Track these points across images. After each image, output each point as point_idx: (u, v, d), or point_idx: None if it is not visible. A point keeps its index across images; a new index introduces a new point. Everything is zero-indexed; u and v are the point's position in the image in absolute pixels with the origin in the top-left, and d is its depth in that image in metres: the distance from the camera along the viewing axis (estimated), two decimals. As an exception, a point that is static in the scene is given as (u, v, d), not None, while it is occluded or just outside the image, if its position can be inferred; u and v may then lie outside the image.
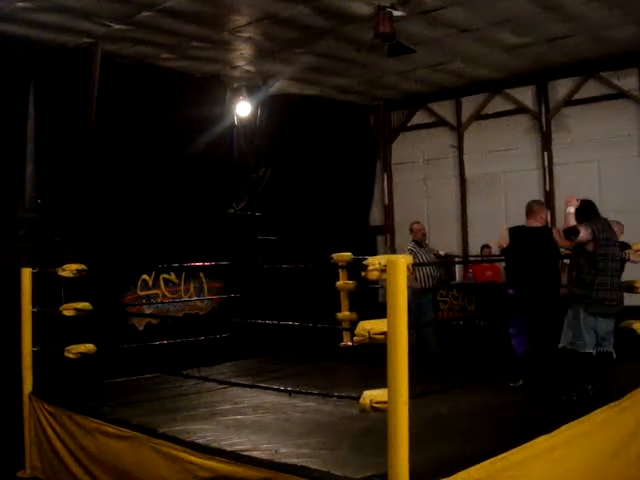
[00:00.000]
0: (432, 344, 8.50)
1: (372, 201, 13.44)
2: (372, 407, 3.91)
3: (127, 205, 9.39)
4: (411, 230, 9.15)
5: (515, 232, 6.77)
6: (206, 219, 10.26)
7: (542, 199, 11.12)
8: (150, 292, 9.53)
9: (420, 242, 8.97)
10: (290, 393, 5.77)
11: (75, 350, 6.52)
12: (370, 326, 3.95)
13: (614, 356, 6.08)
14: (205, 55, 9.67)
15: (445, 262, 11.18)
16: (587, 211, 6.04)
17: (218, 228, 10.44)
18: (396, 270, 3.88)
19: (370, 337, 3.92)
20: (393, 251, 12.79)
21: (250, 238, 10.87)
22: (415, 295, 8.52)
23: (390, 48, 8.50)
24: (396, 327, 3.83)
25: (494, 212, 11.75)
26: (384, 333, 3.88)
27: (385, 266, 3.95)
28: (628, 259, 7.00)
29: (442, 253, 9.63)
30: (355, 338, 4.00)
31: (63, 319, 6.61)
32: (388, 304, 3.87)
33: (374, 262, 4.04)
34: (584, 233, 5.76)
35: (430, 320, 8.94)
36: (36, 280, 6.71)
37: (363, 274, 4.07)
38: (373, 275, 4.02)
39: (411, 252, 8.71)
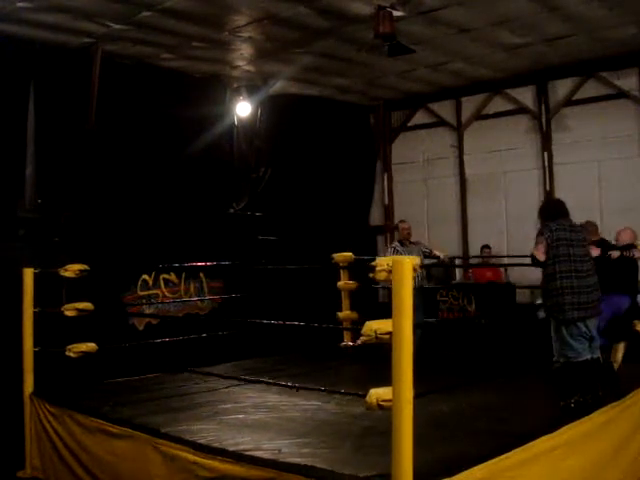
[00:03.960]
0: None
1: (372, 201, 13.45)
2: (379, 405, 3.91)
3: (127, 205, 9.38)
4: (396, 228, 9.24)
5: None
6: (206, 219, 10.26)
7: (543, 199, 11.19)
8: (150, 292, 9.54)
9: (403, 241, 9.06)
10: (297, 389, 5.73)
11: (76, 349, 6.52)
12: (377, 326, 3.96)
13: (601, 360, 6.03)
14: (205, 55, 9.66)
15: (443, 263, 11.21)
16: (548, 211, 5.99)
17: (218, 228, 10.44)
18: (402, 271, 3.88)
19: (377, 337, 3.93)
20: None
21: (250, 238, 10.87)
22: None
23: (390, 48, 8.50)
24: (401, 327, 3.83)
25: (494, 212, 11.77)
26: (390, 333, 3.89)
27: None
28: (633, 256, 7.02)
29: (439, 254, 9.33)
30: (362, 338, 4.01)
31: (64, 319, 6.61)
32: (393, 304, 3.87)
33: (382, 263, 4.03)
34: (539, 252, 5.70)
35: (419, 322, 8.77)
36: (37, 280, 6.71)
37: (371, 275, 4.08)
38: (381, 276, 4.02)
39: (394, 252, 8.84)
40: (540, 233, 5.84)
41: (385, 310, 4.02)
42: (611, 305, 6.74)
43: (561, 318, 5.67)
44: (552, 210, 5.99)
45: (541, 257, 5.71)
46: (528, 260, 6.42)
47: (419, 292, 8.83)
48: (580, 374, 5.68)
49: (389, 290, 8.84)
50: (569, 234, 5.78)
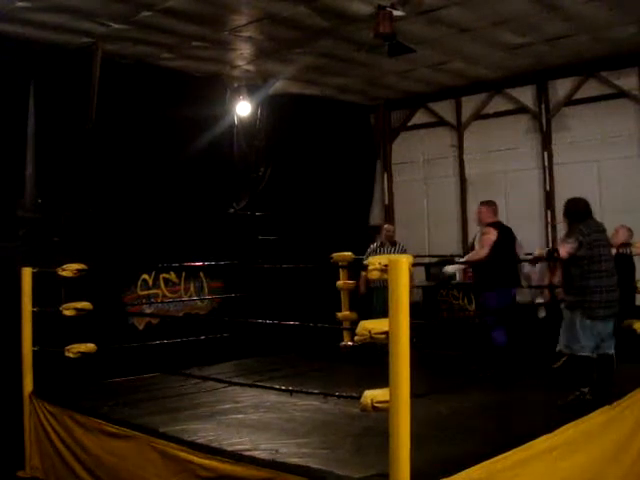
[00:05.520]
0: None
1: (372, 201, 13.43)
2: (373, 407, 3.91)
3: (127, 205, 9.37)
4: (379, 231, 9.94)
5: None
6: (206, 219, 10.25)
7: (543, 199, 11.22)
8: (150, 292, 9.54)
9: (383, 242, 9.62)
10: (291, 392, 5.77)
11: (75, 350, 6.52)
12: (371, 326, 3.96)
13: (614, 358, 6.04)
14: (205, 55, 9.66)
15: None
16: (574, 212, 6.00)
17: (218, 228, 10.43)
18: (398, 270, 3.88)
19: (371, 337, 3.93)
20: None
21: (250, 238, 10.87)
22: (371, 294, 8.73)
23: (390, 48, 8.50)
24: (398, 326, 3.84)
25: (494, 212, 11.74)
26: (385, 332, 3.89)
27: (385, 266, 3.96)
28: (631, 253, 7.01)
29: None
30: (356, 338, 4.01)
31: (63, 319, 6.61)
32: (390, 304, 3.87)
33: (374, 262, 4.05)
34: (564, 249, 5.78)
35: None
36: (36, 280, 6.72)
37: (363, 274, 4.09)
38: (373, 275, 4.04)
39: (368, 254, 9.10)
40: (569, 235, 5.86)
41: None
42: None
43: (587, 315, 5.73)
44: (580, 212, 5.98)
45: (564, 254, 5.77)
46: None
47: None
48: (581, 370, 5.71)
49: (369, 289, 9.09)
50: (599, 234, 5.89)
